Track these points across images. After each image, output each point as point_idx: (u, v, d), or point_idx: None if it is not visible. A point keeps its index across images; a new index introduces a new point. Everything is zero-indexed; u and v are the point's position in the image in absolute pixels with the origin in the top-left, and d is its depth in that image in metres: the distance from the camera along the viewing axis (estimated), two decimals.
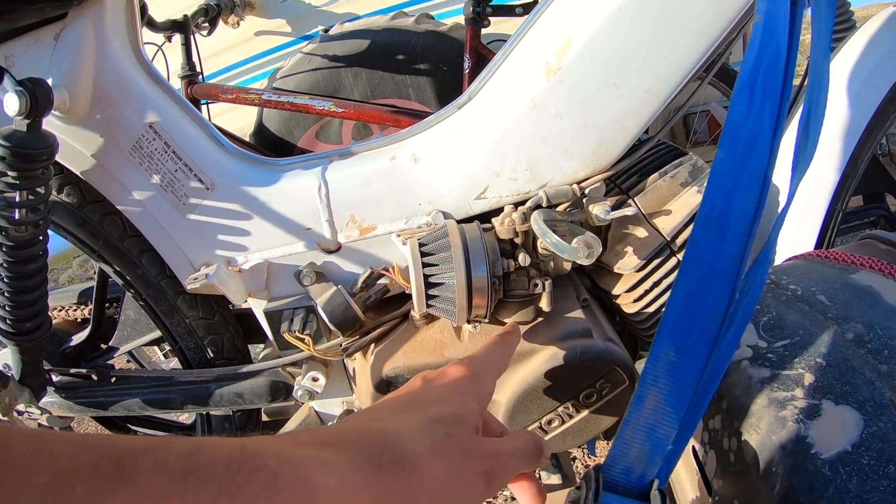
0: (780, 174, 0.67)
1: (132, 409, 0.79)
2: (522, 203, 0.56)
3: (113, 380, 0.82)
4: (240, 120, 1.71)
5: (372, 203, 0.60)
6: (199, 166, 0.63)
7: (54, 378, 0.86)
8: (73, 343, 0.92)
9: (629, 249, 0.59)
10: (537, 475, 1.24)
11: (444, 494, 0.29)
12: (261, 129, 1.44)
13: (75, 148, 0.63)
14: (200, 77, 1.42)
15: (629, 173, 0.63)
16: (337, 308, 0.58)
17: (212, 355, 0.76)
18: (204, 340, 0.75)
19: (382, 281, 0.60)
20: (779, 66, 0.42)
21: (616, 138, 0.55)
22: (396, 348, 0.59)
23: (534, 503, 0.39)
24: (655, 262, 0.59)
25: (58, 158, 0.61)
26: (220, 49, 1.75)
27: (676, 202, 0.60)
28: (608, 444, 1.26)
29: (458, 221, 0.55)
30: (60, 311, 1.08)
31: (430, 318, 0.59)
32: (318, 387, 0.64)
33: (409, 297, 0.59)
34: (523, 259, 0.53)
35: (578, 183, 0.57)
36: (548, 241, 0.51)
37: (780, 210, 0.45)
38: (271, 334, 0.66)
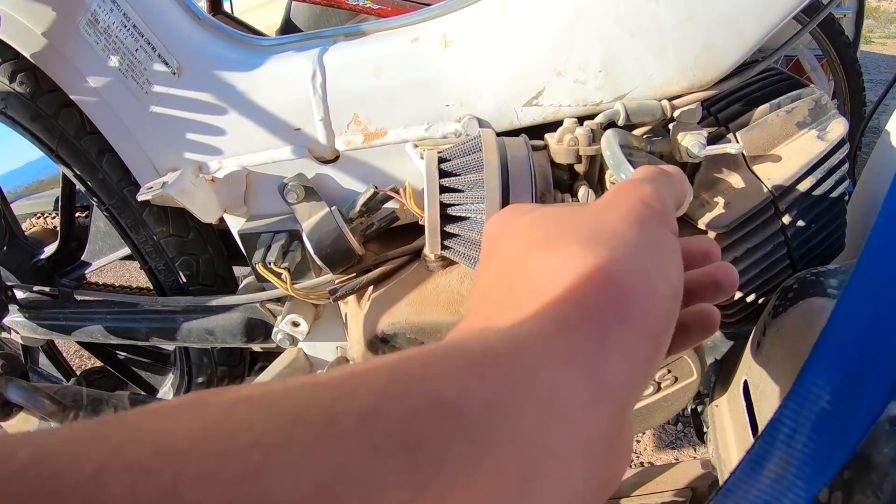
0: None
1: (95, 336, 0.70)
2: (590, 117, 0.40)
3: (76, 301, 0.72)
4: (268, 17, 1.56)
5: (382, 99, 0.44)
6: (164, 44, 0.49)
7: (19, 295, 0.77)
8: (44, 255, 0.81)
9: (721, 201, 0.45)
10: None
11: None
12: (288, 27, 1.29)
13: (25, 26, 0.52)
14: None
15: (730, 100, 0.48)
16: (325, 236, 0.45)
17: (184, 280, 0.64)
18: (175, 262, 0.63)
19: (390, 205, 0.46)
20: None
21: (728, 43, 0.40)
22: (399, 296, 0.45)
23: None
24: (754, 223, 0.45)
25: (6, 38, 0.53)
26: None
27: (789, 146, 0.46)
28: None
29: (499, 134, 0.40)
30: (38, 218, 0.98)
31: (448, 261, 0.46)
32: (299, 333, 0.52)
33: (423, 229, 0.45)
34: (584, 195, 0.38)
35: (670, 99, 0.41)
36: (623, 176, 0.36)
37: None
38: (250, 262, 0.53)
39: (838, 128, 0.47)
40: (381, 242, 0.51)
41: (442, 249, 0.37)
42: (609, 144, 0.37)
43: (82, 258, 0.82)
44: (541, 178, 0.36)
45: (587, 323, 0.16)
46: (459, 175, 0.36)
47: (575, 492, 0.15)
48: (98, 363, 0.94)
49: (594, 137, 0.38)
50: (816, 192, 0.46)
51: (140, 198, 0.49)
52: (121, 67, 0.51)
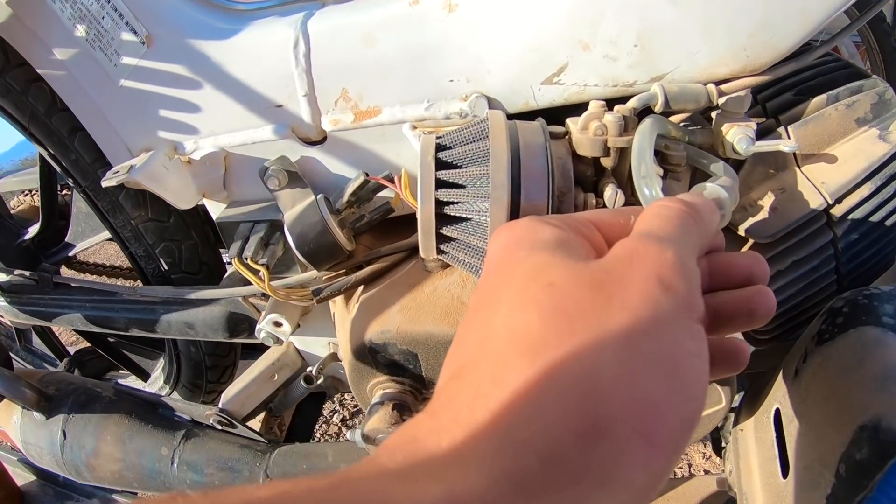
0: None
1: (75, 323, 0.66)
2: (621, 101, 0.34)
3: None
4: None
5: (376, 73, 0.39)
6: (132, 10, 0.45)
7: (1, 278, 0.73)
8: (28, 236, 0.77)
9: (766, 206, 0.40)
10: None
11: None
12: None
13: None
14: None
15: (780, 87, 0.42)
16: (309, 228, 0.39)
17: (166, 267, 0.59)
18: (155, 248, 0.58)
19: (385, 194, 0.41)
20: None
21: (788, 23, 0.34)
22: (392, 300, 0.40)
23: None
24: (803, 233, 0.40)
25: None
26: None
27: (846, 146, 0.41)
28: None
29: (510, 116, 0.34)
30: (25, 196, 0.94)
31: None
32: (282, 334, 0.47)
33: None
34: (611, 196, 0.32)
35: (716, 84, 0.35)
36: (646, 191, 0.30)
37: None
38: None
39: None
40: (374, 236, 0.46)
41: (438, 254, 0.32)
42: (643, 141, 0.31)
43: (66, 239, 0.78)
44: (559, 174, 0.30)
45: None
46: (461, 167, 0.30)
47: None
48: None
49: (626, 126, 0.32)
50: (874, 201, 0.40)
51: (104, 184, 0.44)
52: (87, 37, 0.46)
